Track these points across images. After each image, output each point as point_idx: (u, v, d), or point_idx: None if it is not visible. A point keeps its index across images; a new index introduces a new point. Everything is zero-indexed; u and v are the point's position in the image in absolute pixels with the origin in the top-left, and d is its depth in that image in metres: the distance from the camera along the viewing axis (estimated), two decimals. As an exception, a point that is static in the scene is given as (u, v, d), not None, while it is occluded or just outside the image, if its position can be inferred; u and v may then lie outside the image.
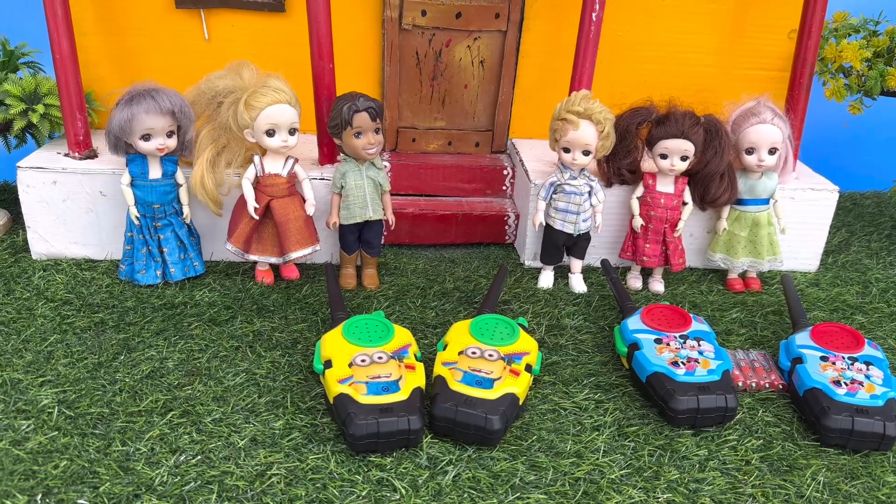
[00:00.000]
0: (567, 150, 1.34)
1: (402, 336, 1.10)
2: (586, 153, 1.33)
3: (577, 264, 1.43)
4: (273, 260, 1.35)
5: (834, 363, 1.11)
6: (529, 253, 1.49)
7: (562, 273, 1.46)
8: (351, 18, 1.51)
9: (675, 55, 1.62)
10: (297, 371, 1.13)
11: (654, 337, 1.13)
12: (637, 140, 1.40)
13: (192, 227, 1.38)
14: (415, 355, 1.08)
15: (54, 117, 1.42)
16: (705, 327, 1.17)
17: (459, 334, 1.12)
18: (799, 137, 1.54)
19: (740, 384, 1.14)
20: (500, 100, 1.61)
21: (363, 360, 1.03)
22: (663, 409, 1.05)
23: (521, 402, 1.03)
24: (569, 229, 1.38)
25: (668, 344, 1.12)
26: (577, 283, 1.42)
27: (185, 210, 1.34)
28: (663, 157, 1.35)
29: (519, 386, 1.02)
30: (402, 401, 0.97)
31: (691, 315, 1.19)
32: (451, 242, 1.57)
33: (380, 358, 1.04)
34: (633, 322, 1.17)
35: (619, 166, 1.42)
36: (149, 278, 1.32)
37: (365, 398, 0.97)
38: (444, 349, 1.10)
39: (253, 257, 1.34)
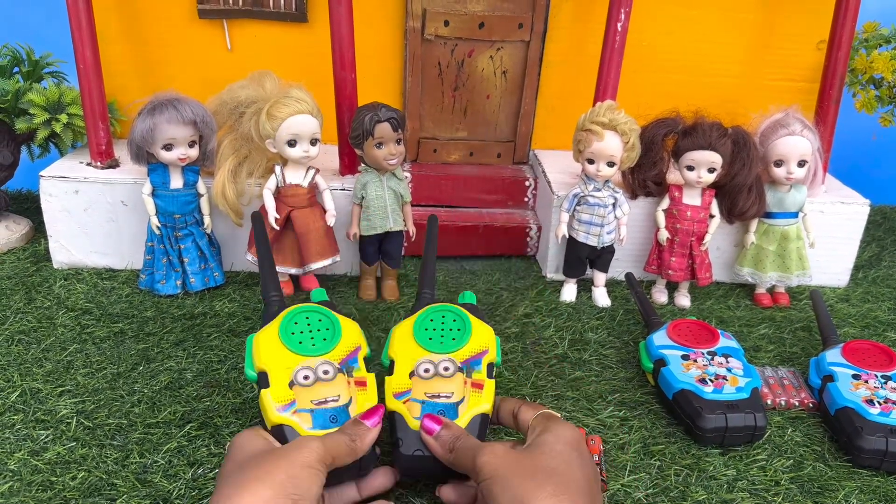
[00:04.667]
0: (591, 162, 1.32)
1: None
2: (611, 164, 1.31)
3: (600, 277, 1.41)
4: (293, 271, 1.34)
5: (866, 381, 1.07)
6: (552, 265, 1.47)
7: (585, 286, 1.44)
8: (373, 29, 1.50)
9: (701, 66, 1.59)
10: (317, 383, 1.11)
11: (681, 353, 1.11)
12: (663, 151, 1.38)
13: (213, 238, 1.37)
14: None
15: (77, 127, 1.43)
16: (733, 343, 1.14)
17: (404, 344, 0.94)
18: (828, 150, 1.51)
19: (769, 402, 1.11)
20: (522, 110, 1.60)
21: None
22: (690, 427, 1.02)
23: (490, 415, 0.90)
24: (592, 242, 1.36)
25: (695, 360, 1.09)
26: (601, 297, 1.40)
27: (207, 220, 1.34)
28: (690, 168, 1.33)
29: (487, 401, 0.89)
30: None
31: (719, 331, 1.16)
32: (472, 254, 1.55)
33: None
34: (660, 337, 1.15)
35: (645, 178, 1.40)
36: (169, 288, 1.32)
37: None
38: (392, 370, 0.92)
39: (273, 268, 1.33)
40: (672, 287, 1.45)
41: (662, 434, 1.05)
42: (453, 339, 0.93)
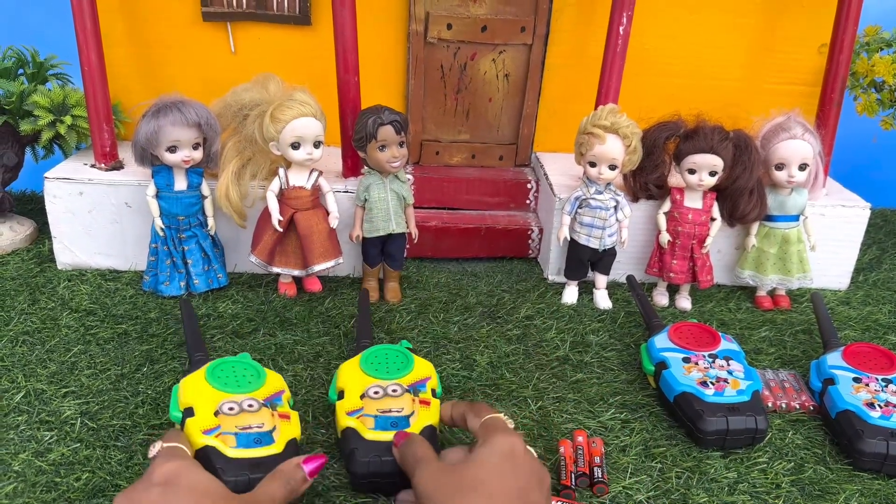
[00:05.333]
0: (593, 165, 1.32)
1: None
2: (612, 168, 1.31)
3: (602, 280, 1.41)
4: (296, 272, 1.34)
5: (867, 385, 1.08)
6: (553, 268, 1.47)
7: (586, 289, 1.44)
8: (376, 32, 1.51)
9: (703, 69, 1.60)
10: (319, 385, 1.12)
11: (682, 356, 1.11)
12: (664, 155, 1.38)
13: (217, 239, 1.38)
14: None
15: (81, 128, 1.43)
16: (734, 346, 1.15)
17: (352, 377, 0.99)
18: (829, 153, 1.51)
19: (770, 405, 1.12)
20: (524, 113, 1.60)
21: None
22: (691, 429, 1.03)
23: (438, 432, 0.95)
24: (594, 244, 1.36)
25: (696, 363, 1.10)
26: (602, 299, 1.40)
27: (210, 222, 1.34)
28: (691, 172, 1.33)
29: (433, 417, 0.94)
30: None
31: (720, 333, 1.16)
32: (475, 256, 1.56)
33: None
34: (661, 340, 1.15)
35: (646, 181, 1.40)
36: (172, 290, 1.32)
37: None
38: (341, 398, 0.97)
39: (276, 269, 1.33)
40: (673, 290, 1.46)
41: (664, 436, 1.05)
42: (398, 368, 1.00)
